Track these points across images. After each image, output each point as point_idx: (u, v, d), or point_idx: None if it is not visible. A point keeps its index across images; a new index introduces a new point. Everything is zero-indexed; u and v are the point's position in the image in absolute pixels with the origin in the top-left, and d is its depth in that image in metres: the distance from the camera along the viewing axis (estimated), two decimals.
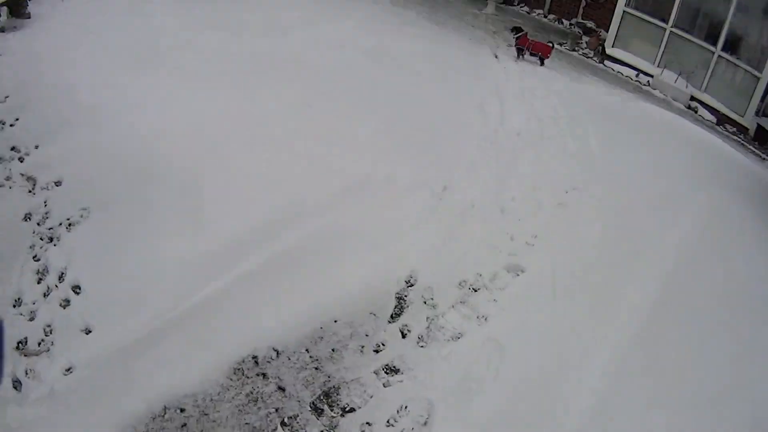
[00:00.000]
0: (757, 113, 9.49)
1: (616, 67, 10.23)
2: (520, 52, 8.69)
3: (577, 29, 13.44)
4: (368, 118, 5.88)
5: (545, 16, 13.76)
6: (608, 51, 10.38)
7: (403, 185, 5.07)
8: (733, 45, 9.80)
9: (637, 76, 9.97)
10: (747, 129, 9.65)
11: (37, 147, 5.35)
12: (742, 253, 4.90)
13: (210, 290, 3.93)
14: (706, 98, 9.71)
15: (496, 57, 8.79)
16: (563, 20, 13.63)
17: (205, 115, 5.57)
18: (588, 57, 10.53)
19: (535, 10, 14.00)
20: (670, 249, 4.67)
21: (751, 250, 4.98)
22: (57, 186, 4.94)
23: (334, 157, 5.19)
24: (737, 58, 9.68)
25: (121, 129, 5.36)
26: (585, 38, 11.83)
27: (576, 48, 10.78)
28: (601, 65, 10.27)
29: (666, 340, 3.88)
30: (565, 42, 11.02)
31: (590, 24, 13.13)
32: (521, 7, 14.28)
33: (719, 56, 9.58)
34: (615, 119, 7.58)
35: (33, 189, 4.98)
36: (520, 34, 8.60)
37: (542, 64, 8.59)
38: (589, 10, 13.59)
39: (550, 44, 8.61)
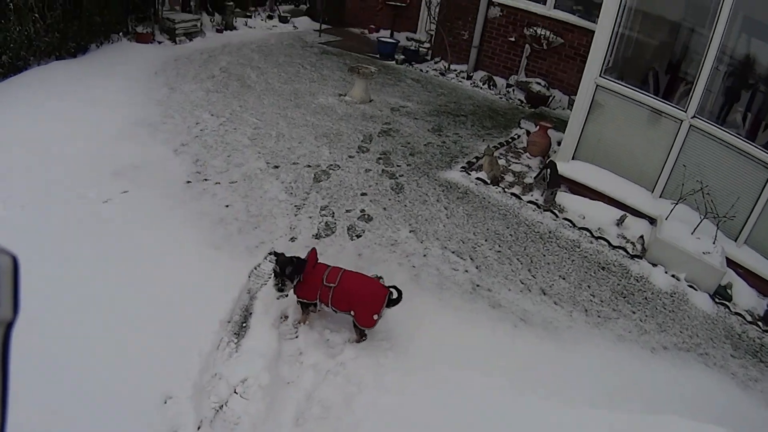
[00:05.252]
0: None
1: (579, 209, 5.06)
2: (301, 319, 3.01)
3: (517, 96, 8.32)
4: None
5: (469, 76, 8.75)
6: (561, 169, 5.32)
7: None
8: None
9: (620, 222, 4.90)
10: None
11: None
12: None
13: None
14: (748, 260, 4.64)
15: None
16: (494, 80, 8.57)
17: None
18: (534, 200, 5.35)
19: (455, 67, 9.02)
20: None
21: None
22: None
23: None
24: None
25: None
26: (524, 127, 6.74)
27: (505, 170, 5.70)
28: (555, 221, 4.88)
29: None
30: (472, 164, 5.79)
31: (538, 85, 8.03)
32: (436, 62, 9.35)
33: None
34: None
35: None
36: (290, 268, 2.78)
37: (361, 338, 2.91)
38: (542, 59, 8.39)
39: (384, 283, 3.06)
